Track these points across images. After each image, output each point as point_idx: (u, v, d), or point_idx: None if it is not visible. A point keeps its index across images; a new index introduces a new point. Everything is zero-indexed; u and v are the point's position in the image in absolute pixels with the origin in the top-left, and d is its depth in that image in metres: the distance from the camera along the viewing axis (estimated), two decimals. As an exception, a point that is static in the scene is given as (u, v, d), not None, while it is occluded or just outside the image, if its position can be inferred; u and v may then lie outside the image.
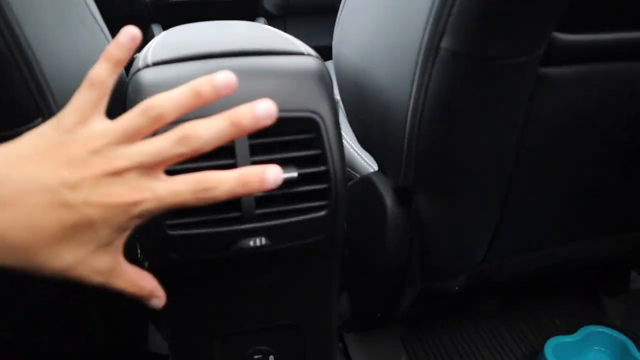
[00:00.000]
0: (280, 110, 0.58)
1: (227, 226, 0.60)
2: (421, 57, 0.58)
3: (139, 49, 1.31)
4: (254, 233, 0.60)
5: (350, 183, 0.86)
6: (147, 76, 0.59)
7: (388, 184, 0.75)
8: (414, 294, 0.83)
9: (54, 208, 0.37)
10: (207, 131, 0.40)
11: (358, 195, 0.81)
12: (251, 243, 0.61)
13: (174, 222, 0.59)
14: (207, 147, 0.41)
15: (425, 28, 0.56)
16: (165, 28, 1.66)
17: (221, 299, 0.70)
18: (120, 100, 0.78)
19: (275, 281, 0.69)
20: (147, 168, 0.40)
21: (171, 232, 0.59)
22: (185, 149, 0.40)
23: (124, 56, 0.42)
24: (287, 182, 0.60)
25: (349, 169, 0.96)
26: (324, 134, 0.59)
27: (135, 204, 0.39)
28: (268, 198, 0.61)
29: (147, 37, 1.72)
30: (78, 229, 0.38)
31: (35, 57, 0.53)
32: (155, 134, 0.41)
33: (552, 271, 0.98)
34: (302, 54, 0.63)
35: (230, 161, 0.58)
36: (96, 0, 0.80)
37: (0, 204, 0.36)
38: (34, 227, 0.36)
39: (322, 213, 0.62)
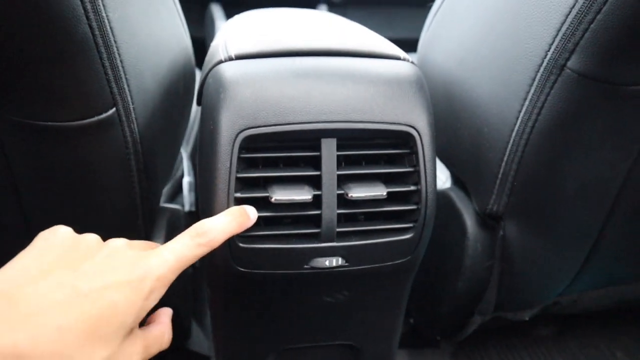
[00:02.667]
0: (375, 122, 0.53)
1: (303, 243, 0.54)
2: (540, 74, 0.51)
3: (199, 30, 1.24)
4: (331, 252, 0.55)
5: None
6: (230, 70, 0.53)
7: (469, 204, 0.69)
8: (482, 322, 0.77)
9: (76, 302, 0.35)
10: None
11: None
12: (327, 263, 0.55)
13: (246, 234, 0.54)
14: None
15: (552, 43, 0.49)
16: (225, 7, 1.61)
17: (282, 314, 0.65)
18: (191, 91, 0.73)
19: (342, 301, 0.64)
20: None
21: (242, 245, 0.54)
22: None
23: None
24: (372, 200, 0.54)
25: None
26: (419, 149, 0.53)
27: (147, 272, 0.39)
28: (350, 216, 0.55)
29: (205, 17, 1.67)
30: (104, 319, 0.36)
31: (117, 43, 0.48)
32: None
33: (625, 306, 0.91)
34: (398, 58, 0.57)
35: (316, 173, 0.52)
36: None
37: (24, 318, 0.33)
38: (61, 329, 0.34)
39: (408, 236, 0.56)
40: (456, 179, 0.75)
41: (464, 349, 1.09)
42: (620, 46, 0.46)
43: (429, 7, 0.77)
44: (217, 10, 1.57)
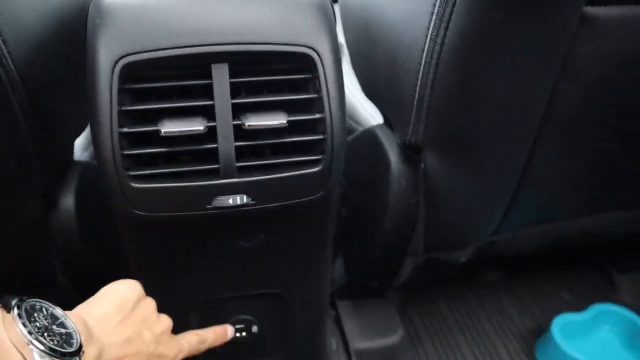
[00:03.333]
0: (270, 43, 0.48)
1: (202, 180, 0.50)
2: (444, -17, 0.47)
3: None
4: (234, 189, 0.51)
5: (350, 137, 0.76)
6: None
7: (394, 139, 0.66)
8: (415, 265, 0.75)
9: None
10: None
11: (359, 151, 0.72)
12: (230, 201, 0.52)
13: (139, 172, 0.50)
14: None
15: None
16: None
17: (197, 263, 0.62)
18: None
19: (259, 245, 0.60)
20: None
21: (135, 185, 0.50)
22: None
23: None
24: (274, 131, 0.51)
25: (350, 121, 0.85)
26: (321, 74, 0.50)
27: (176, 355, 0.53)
28: (252, 149, 0.51)
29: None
30: None
31: None
32: None
33: (565, 244, 0.90)
34: None
35: (209, 102, 0.48)
36: None
37: None
38: None
39: (316, 169, 0.52)
40: (384, 116, 0.71)
41: (412, 300, 1.08)
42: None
43: None
44: None
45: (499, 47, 0.50)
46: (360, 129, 0.80)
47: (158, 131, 0.48)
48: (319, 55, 0.49)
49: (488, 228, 0.72)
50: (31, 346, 0.35)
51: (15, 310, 0.36)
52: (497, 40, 0.50)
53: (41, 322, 0.37)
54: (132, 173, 0.49)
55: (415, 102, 0.56)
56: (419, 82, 0.54)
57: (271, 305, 0.71)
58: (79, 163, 0.70)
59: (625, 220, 0.89)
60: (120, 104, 0.47)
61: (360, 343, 0.88)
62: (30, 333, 0.35)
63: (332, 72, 0.50)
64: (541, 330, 1.03)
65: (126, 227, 0.57)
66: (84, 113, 0.74)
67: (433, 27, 0.50)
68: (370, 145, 0.69)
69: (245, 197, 0.52)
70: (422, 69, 0.53)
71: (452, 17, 0.48)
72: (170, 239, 0.58)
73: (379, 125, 0.70)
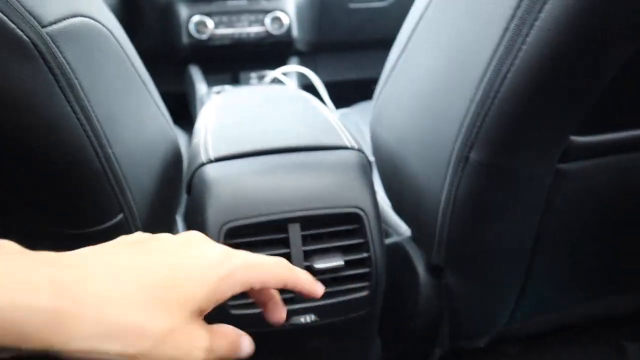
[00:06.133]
0: (329, 207, 0.67)
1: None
2: (452, 162, 0.65)
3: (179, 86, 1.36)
4: (305, 311, 0.69)
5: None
6: (212, 172, 0.68)
7: (420, 254, 0.83)
8: (442, 352, 0.91)
9: (139, 271, 0.35)
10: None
11: (391, 261, 0.89)
12: (302, 320, 0.69)
13: (237, 302, 0.67)
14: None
15: (457, 139, 0.63)
16: (202, 68, 1.74)
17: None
18: (178, 182, 0.86)
19: (320, 347, 0.77)
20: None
21: (234, 312, 0.67)
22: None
23: None
24: (333, 268, 0.68)
25: (383, 225, 1.03)
26: (366, 224, 0.68)
27: (228, 258, 0.40)
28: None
29: (184, 78, 1.80)
30: (169, 287, 0.35)
31: (115, 155, 0.60)
32: None
33: (576, 325, 1.04)
34: (346, 147, 0.71)
35: (286, 251, 0.66)
36: (135, 41, 0.78)
37: (70, 284, 0.32)
38: (112, 297, 0.33)
39: (364, 293, 0.70)
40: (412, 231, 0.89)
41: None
42: (508, 140, 0.59)
43: None
44: (195, 72, 1.70)
45: (494, 204, 0.66)
46: (391, 231, 0.97)
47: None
48: (364, 212, 0.67)
49: (502, 320, 0.88)
50: None
51: None
52: (493, 201, 0.66)
53: None
54: (232, 303, 0.67)
55: (436, 238, 0.73)
56: (438, 225, 0.72)
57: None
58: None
59: (631, 301, 1.03)
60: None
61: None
62: None
63: (375, 223, 0.68)
64: (557, 398, 1.16)
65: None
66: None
67: (446, 190, 0.67)
68: (400, 259, 0.86)
69: (313, 316, 0.69)
70: (439, 217, 0.71)
71: (460, 186, 0.65)
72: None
73: (407, 240, 0.87)
